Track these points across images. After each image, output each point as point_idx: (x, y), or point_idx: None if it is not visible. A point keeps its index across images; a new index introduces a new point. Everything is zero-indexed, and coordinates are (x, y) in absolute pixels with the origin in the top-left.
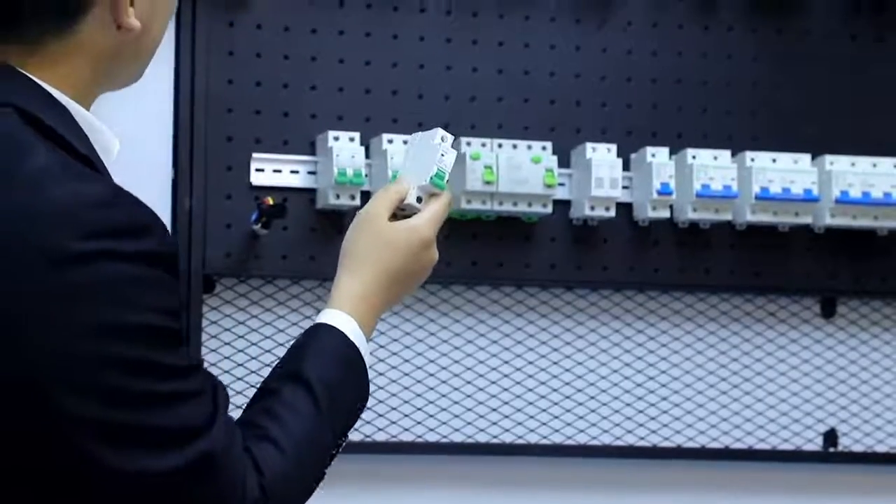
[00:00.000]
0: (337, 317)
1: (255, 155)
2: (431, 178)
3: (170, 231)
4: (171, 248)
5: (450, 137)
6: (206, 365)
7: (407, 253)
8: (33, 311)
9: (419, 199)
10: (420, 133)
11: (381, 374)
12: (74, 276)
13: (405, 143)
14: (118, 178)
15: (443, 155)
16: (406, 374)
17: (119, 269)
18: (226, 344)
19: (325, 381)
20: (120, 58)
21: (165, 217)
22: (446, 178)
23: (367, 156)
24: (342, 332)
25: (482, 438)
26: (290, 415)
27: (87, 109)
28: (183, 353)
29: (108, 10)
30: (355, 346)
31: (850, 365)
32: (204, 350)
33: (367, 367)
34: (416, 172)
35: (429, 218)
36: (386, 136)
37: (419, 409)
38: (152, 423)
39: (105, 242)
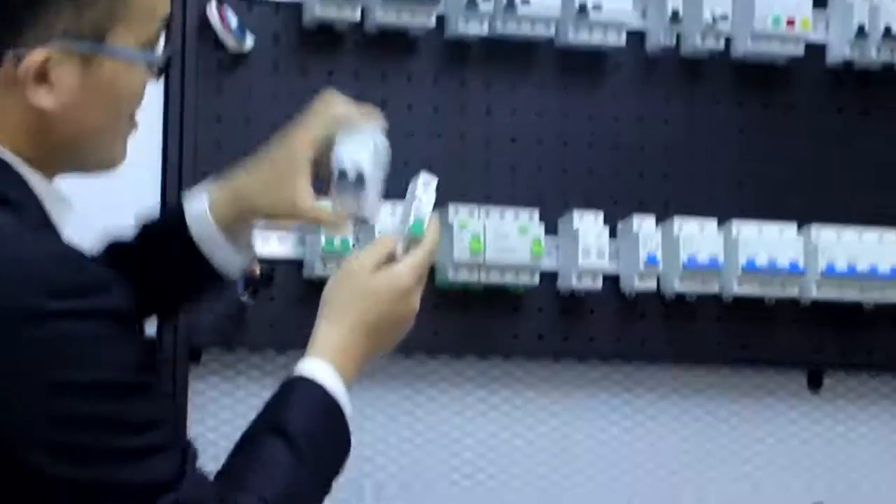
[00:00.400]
0: (316, 367)
1: None
2: (410, 228)
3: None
4: (130, 303)
5: (433, 180)
6: (192, 435)
7: (386, 301)
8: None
9: (406, 250)
10: (412, 182)
11: (367, 444)
12: (41, 335)
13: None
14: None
15: (420, 201)
16: (392, 446)
17: (84, 328)
18: (212, 415)
19: (306, 433)
20: (51, 136)
21: None
22: (425, 224)
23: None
24: (321, 384)
25: None
26: (271, 467)
27: (49, 178)
28: (150, 406)
29: (23, 86)
30: (334, 398)
31: (837, 438)
32: (190, 420)
33: (348, 418)
34: (401, 223)
35: (409, 266)
36: None
37: (404, 481)
38: (119, 479)
39: (70, 301)
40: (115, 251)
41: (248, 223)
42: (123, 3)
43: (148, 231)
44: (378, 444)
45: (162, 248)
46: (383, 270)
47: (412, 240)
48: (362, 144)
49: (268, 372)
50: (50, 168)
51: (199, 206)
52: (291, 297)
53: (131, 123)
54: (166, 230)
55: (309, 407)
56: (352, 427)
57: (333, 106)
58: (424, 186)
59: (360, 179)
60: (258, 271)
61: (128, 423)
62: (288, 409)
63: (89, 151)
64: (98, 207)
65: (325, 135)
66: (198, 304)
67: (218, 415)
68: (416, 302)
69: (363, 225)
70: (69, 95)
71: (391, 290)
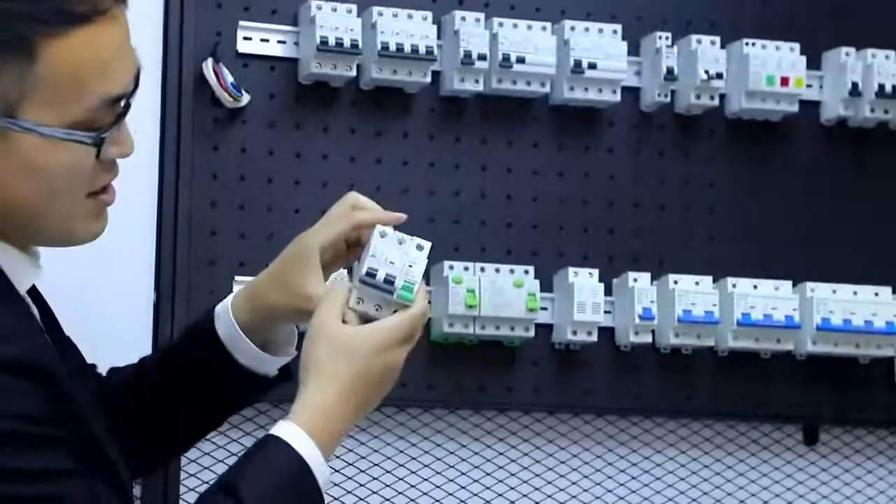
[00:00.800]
0: (288, 429)
1: (237, 278)
2: (398, 292)
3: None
4: (35, 354)
5: (426, 245)
6: (184, 491)
7: (363, 357)
8: None
9: (378, 308)
10: (388, 230)
11: (361, 499)
12: None
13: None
14: (100, 300)
15: (411, 266)
16: (387, 500)
17: None
18: (206, 468)
19: (260, 497)
20: None
21: (147, 341)
22: (415, 289)
23: (351, 279)
24: (290, 446)
25: None
26: None
27: (17, 245)
28: (47, 458)
29: None
30: (303, 462)
31: (833, 493)
32: (183, 475)
33: (322, 484)
34: (356, 274)
35: (391, 325)
36: None
37: None
38: None
39: None
40: (165, 359)
41: (267, 321)
42: (36, 79)
43: (187, 334)
44: (371, 497)
45: (196, 350)
46: (362, 328)
47: (400, 305)
48: (399, 250)
49: (261, 426)
50: (6, 237)
51: (223, 306)
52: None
53: (92, 200)
54: (199, 332)
55: (269, 469)
56: (322, 478)
57: (355, 206)
58: (418, 250)
59: (388, 282)
60: None
61: (24, 472)
62: (246, 469)
63: (38, 227)
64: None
65: (341, 235)
66: (241, 406)
67: (212, 469)
68: (398, 357)
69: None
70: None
71: (369, 346)
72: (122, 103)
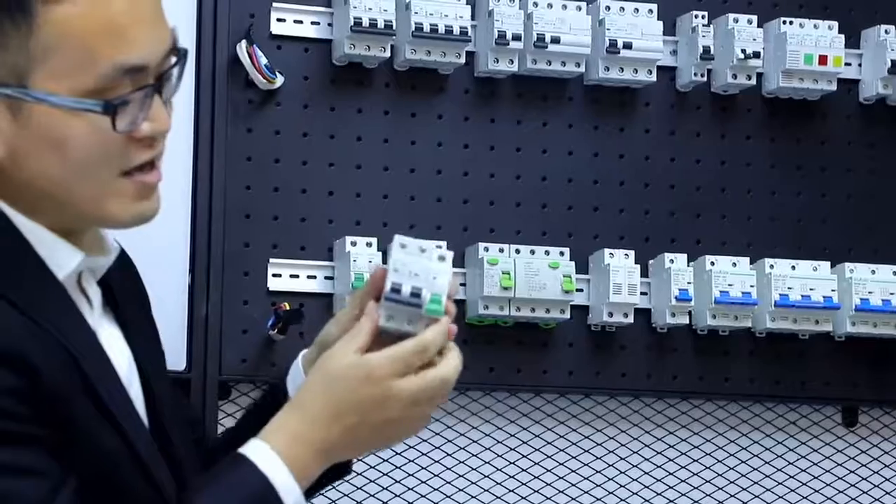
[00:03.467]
0: (258, 450)
1: (272, 260)
2: (426, 307)
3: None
4: (18, 345)
5: (448, 254)
6: None
7: (346, 388)
8: None
9: (410, 322)
10: (408, 240)
11: (397, 481)
12: None
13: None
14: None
15: (435, 278)
16: (423, 482)
17: None
18: None
19: None
20: (11, 184)
21: (181, 323)
22: (443, 301)
23: (385, 261)
24: (253, 464)
25: None
26: None
27: (56, 229)
28: (18, 454)
29: None
30: (265, 480)
31: (873, 475)
32: None
33: None
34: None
35: (389, 354)
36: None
37: None
38: None
39: None
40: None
41: None
42: (41, 46)
43: (268, 392)
44: (408, 479)
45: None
46: (357, 356)
47: (430, 320)
48: (416, 255)
49: None
50: (42, 217)
51: (295, 362)
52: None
53: (128, 179)
54: (275, 391)
55: (228, 485)
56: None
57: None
58: (440, 260)
59: (415, 294)
60: (287, 307)
61: None
62: (208, 489)
63: (70, 205)
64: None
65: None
66: None
67: None
68: (398, 391)
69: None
70: (10, 141)
71: (356, 375)
72: (153, 78)
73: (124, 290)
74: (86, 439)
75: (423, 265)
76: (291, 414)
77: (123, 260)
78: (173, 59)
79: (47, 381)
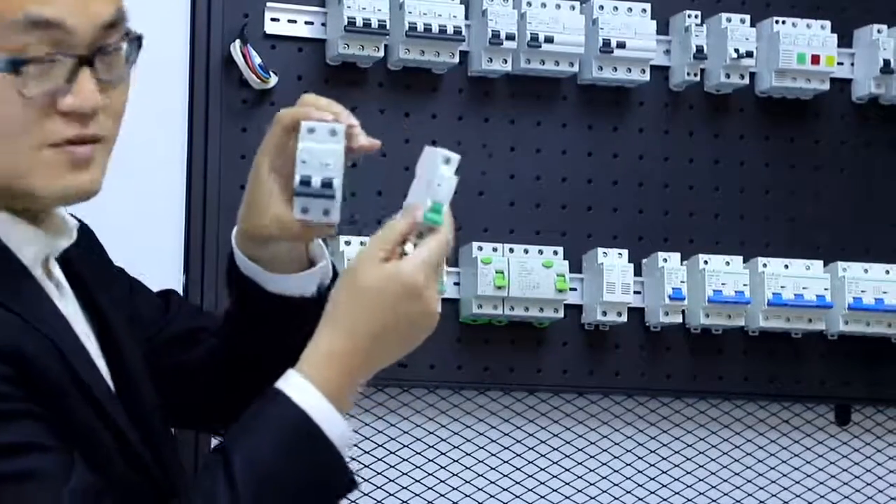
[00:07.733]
0: (291, 381)
1: None
2: (426, 214)
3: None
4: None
5: (455, 159)
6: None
7: (384, 302)
8: None
9: (420, 235)
10: (427, 150)
11: (390, 480)
12: None
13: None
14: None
15: (439, 185)
16: (416, 481)
17: None
18: None
19: (253, 460)
20: None
21: None
22: (444, 210)
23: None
24: (289, 399)
25: None
26: (207, 499)
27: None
28: (19, 431)
29: None
30: (304, 414)
31: (866, 473)
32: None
33: (335, 438)
34: (419, 201)
35: (415, 262)
36: None
37: None
38: None
39: None
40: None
41: (266, 245)
42: None
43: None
44: (401, 479)
45: (234, 289)
46: (389, 265)
47: (426, 228)
48: (326, 142)
49: None
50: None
51: (237, 254)
52: None
53: (52, 151)
54: (229, 273)
55: (269, 429)
56: (336, 432)
57: (297, 108)
58: (449, 163)
59: (326, 185)
60: None
61: None
62: (243, 430)
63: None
64: (121, 244)
65: (279, 138)
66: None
67: None
68: (428, 303)
69: (331, 235)
70: None
71: (389, 289)
72: (84, 49)
73: (85, 261)
74: (82, 432)
75: (334, 150)
76: (325, 336)
77: (81, 231)
78: (116, 37)
79: (45, 374)
